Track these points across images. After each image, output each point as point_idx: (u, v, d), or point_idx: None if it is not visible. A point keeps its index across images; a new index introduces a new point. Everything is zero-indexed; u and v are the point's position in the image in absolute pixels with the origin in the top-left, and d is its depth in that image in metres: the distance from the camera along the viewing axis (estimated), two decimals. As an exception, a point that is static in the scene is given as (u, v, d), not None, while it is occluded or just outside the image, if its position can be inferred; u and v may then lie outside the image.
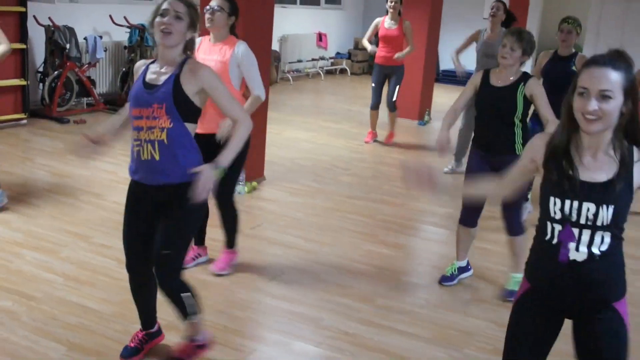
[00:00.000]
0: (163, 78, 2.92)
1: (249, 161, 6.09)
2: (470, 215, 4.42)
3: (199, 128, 4.07)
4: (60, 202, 5.57)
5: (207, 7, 4.16)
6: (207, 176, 2.81)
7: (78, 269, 4.34)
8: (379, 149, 8.30)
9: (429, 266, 4.87)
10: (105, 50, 9.30)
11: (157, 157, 2.91)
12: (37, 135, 7.75)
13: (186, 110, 2.93)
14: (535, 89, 4.08)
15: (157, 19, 2.90)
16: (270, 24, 6.23)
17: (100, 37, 9.17)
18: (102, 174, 6.37)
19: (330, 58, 14.97)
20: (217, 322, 3.77)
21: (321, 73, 14.39)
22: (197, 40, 4.21)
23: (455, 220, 4.88)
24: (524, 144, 4.04)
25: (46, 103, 8.53)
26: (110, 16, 9.40)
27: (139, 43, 9.39)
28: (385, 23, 8.14)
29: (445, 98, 11.81)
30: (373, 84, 8.28)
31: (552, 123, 3.86)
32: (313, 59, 14.24)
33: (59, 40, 8.48)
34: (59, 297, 3.95)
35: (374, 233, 5.40)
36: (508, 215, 4.27)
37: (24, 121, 8.12)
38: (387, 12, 8.13)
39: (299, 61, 13.84)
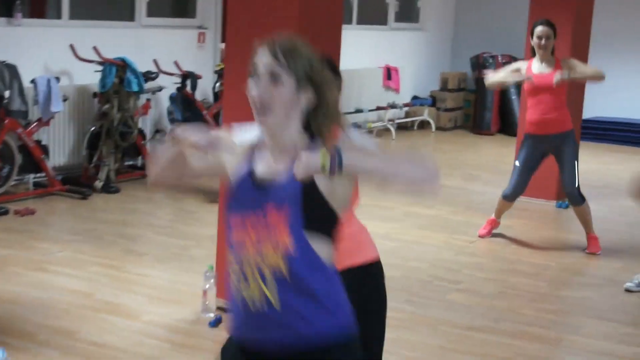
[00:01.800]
0: (282, 171, 2.83)
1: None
2: None
3: None
4: (5, 344, 5.38)
5: None
6: (310, 159, 2.66)
7: None
8: (501, 247, 8.27)
9: None
10: (64, 100, 9.40)
11: (275, 303, 2.78)
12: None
13: (320, 218, 2.81)
14: None
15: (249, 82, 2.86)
16: (336, 52, 6.26)
17: (57, 78, 9.24)
18: (67, 296, 6.29)
19: (405, 105, 15.09)
20: None
21: (391, 128, 14.48)
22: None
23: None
24: None
25: (-30, 183, 8.60)
26: (72, 46, 9.54)
27: (117, 88, 9.53)
28: (534, 67, 8.08)
29: (592, 163, 11.67)
30: (518, 164, 8.29)
31: None
32: (378, 108, 14.36)
33: (-7, 85, 8.60)
34: None
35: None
36: None
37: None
38: (532, 52, 8.08)
39: (358, 111, 13.90)
